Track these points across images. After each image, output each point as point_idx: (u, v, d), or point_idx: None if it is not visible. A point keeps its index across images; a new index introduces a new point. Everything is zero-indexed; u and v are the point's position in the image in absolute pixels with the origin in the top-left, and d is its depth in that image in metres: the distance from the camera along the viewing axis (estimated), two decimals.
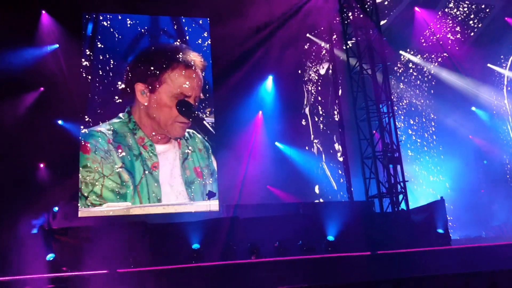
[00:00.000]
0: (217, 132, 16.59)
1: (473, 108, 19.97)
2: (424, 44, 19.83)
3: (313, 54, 18.98)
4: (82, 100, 15.74)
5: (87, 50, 16.10)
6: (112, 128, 15.59)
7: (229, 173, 16.48)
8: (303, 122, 18.53)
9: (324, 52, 18.66)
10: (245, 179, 16.66)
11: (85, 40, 16.18)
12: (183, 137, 16.21)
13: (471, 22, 19.43)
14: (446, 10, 19.06)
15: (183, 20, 17.23)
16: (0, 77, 14.39)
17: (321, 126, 18.63)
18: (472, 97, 19.63)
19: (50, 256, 10.79)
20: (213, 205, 15.51)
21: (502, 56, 19.80)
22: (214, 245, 11.45)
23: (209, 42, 17.19)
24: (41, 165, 15.27)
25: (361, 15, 14.50)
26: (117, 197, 15.13)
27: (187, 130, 16.27)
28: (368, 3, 14.56)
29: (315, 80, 18.94)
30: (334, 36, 17.55)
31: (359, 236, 11.79)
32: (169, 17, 17.13)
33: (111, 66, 16.10)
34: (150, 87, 16.04)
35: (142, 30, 16.70)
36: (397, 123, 14.40)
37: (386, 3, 18.04)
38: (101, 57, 16.09)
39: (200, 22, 17.34)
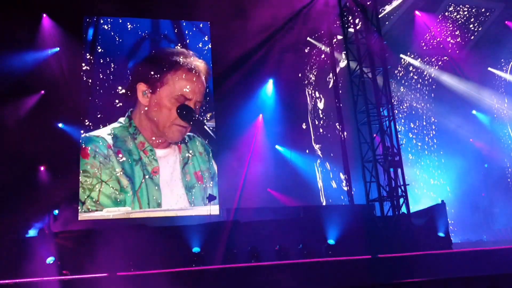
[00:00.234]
0: (218, 135, 16.59)
1: (474, 112, 19.97)
2: (425, 48, 19.84)
3: (314, 57, 18.99)
4: (82, 104, 15.75)
5: (87, 54, 16.13)
6: (112, 133, 15.57)
7: (229, 177, 16.47)
8: (304, 126, 18.52)
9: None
10: (246, 183, 16.65)
11: (86, 43, 16.20)
12: (183, 140, 16.19)
13: (471, 25, 19.44)
14: (446, 13, 19.07)
15: (184, 24, 17.25)
16: (1, 80, 14.41)
17: (321, 129, 18.63)
18: (472, 101, 19.63)
19: (50, 259, 10.79)
20: (213, 208, 15.49)
21: (502, 60, 19.81)
22: (215, 249, 11.46)
23: (210, 46, 17.20)
24: (42, 168, 15.26)
25: (362, 19, 14.51)
26: (114, 203, 15.09)
27: (187, 133, 16.25)
28: (369, 7, 14.57)
29: (315, 84, 18.95)
30: (335, 40, 17.58)
31: (360, 239, 11.78)
32: (170, 21, 17.15)
33: (112, 70, 16.11)
34: (151, 88, 16.07)
35: (143, 34, 16.73)
36: (397, 127, 14.40)
37: (386, 9, 18.07)
38: (101, 61, 16.11)
39: (201, 25, 17.36)
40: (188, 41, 17.08)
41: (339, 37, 17.35)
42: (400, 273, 9.60)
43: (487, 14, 19.18)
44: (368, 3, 14.59)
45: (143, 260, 10.76)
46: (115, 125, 15.70)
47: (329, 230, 12.05)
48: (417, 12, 18.70)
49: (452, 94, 19.42)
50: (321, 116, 18.71)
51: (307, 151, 18.29)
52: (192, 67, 16.65)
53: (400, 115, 19.46)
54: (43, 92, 15.49)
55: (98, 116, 15.69)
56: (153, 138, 15.86)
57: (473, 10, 19.09)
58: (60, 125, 15.67)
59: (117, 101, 15.88)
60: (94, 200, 14.96)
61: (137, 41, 16.60)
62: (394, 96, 18.20)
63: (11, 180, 14.04)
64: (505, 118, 19.58)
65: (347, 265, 9.88)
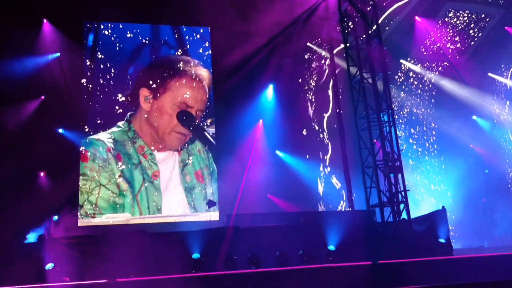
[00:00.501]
0: (218, 141, 16.58)
1: (474, 117, 19.95)
2: (425, 53, 19.85)
3: (314, 62, 19.00)
4: (82, 109, 15.76)
5: (87, 59, 16.14)
6: (112, 137, 15.58)
7: (229, 182, 16.45)
8: (304, 132, 18.48)
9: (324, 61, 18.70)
10: (246, 188, 16.63)
11: (86, 49, 16.22)
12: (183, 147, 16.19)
13: (471, 31, 19.45)
14: (446, 19, 19.10)
15: (184, 29, 17.27)
16: (2, 85, 14.42)
17: (321, 135, 18.61)
18: (473, 106, 19.62)
19: (49, 266, 10.75)
20: (213, 214, 15.45)
21: (502, 65, 19.81)
22: (215, 255, 11.42)
23: (210, 52, 17.21)
24: (41, 174, 15.24)
25: (362, 24, 14.51)
26: (113, 206, 15.06)
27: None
28: (369, 12, 14.58)
29: (315, 89, 18.95)
30: (336, 50, 17.58)
31: (360, 245, 11.73)
32: (170, 26, 17.17)
33: (112, 75, 16.12)
34: (154, 93, 16.11)
35: (143, 40, 16.74)
36: (397, 132, 14.38)
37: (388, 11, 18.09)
38: (101, 66, 16.13)
39: (201, 31, 17.37)
40: (188, 46, 17.11)
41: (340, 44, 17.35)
42: (400, 279, 9.54)
43: (487, 19, 19.20)
44: (368, 8, 14.60)
45: (142, 266, 10.71)
46: (114, 129, 15.71)
47: (329, 236, 12.00)
48: (417, 18, 18.73)
49: (453, 100, 19.41)
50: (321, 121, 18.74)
51: (307, 156, 18.26)
52: (196, 75, 16.72)
53: (401, 121, 19.46)
54: (43, 97, 15.49)
55: (98, 121, 15.69)
56: (152, 142, 15.86)
57: (473, 16, 19.11)
58: (60, 130, 15.65)
59: (117, 106, 15.88)
60: (92, 204, 14.94)
61: (138, 47, 16.63)
62: (394, 102, 18.20)
63: (11, 186, 14.03)
64: (505, 123, 19.56)
65: (348, 271, 9.83)
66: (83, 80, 15.93)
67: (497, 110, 19.73)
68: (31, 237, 13.45)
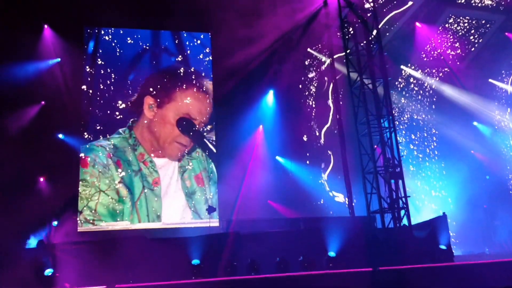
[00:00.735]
0: (218, 146, 16.56)
1: (475, 123, 19.93)
2: (425, 59, 19.86)
3: (314, 68, 19.00)
4: (83, 115, 15.75)
5: (88, 65, 16.15)
6: (112, 143, 15.57)
7: (229, 188, 16.42)
8: (305, 138, 18.45)
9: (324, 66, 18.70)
10: (246, 194, 16.58)
11: (86, 54, 16.23)
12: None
13: (471, 37, 19.48)
14: (447, 25, 19.13)
15: (184, 35, 17.28)
16: (2, 90, 14.42)
17: (322, 141, 18.59)
18: (473, 112, 19.61)
19: (48, 271, 10.70)
20: (213, 220, 15.42)
21: (503, 71, 19.81)
22: (214, 261, 11.37)
23: (210, 58, 17.22)
24: (41, 179, 15.21)
25: (362, 30, 14.53)
26: (112, 213, 15.03)
27: None
28: (369, 19, 14.60)
29: (315, 95, 18.94)
30: (337, 56, 17.59)
31: (360, 252, 11.68)
32: (170, 32, 17.18)
33: (112, 81, 16.13)
34: (159, 102, 16.14)
35: (144, 46, 16.75)
36: (398, 138, 14.35)
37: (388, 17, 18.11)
38: (102, 72, 16.14)
39: (202, 37, 17.38)
40: (188, 52, 17.12)
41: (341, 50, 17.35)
42: (401, 286, 9.51)
43: (488, 25, 19.23)
44: (369, 14, 14.62)
45: (142, 272, 10.67)
46: (115, 135, 15.70)
47: (330, 242, 11.95)
48: (417, 24, 18.75)
49: (453, 106, 19.40)
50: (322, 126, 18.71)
51: (307, 162, 18.23)
52: (202, 87, 16.78)
53: (401, 126, 19.44)
54: (43, 102, 15.49)
55: (98, 128, 15.67)
56: (152, 149, 15.84)
57: (474, 22, 19.14)
58: (60, 135, 15.64)
59: (117, 113, 15.88)
60: (91, 209, 14.91)
61: (138, 53, 16.64)
62: (394, 107, 18.19)
63: (11, 190, 14.01)
64: (506, 129, 19.54)
65: (348, 277, 9.79)
66: (83, 87, 15.92)
67: (497, 116, 19.71)
68: (32, 242, 13.41)
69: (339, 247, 11.86)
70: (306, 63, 18.85)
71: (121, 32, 16.55)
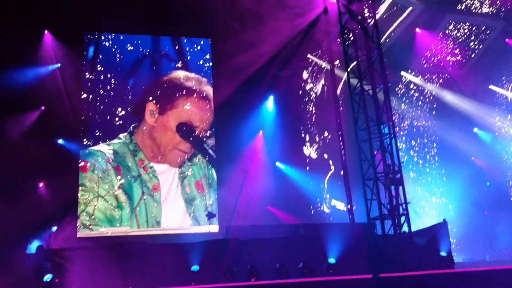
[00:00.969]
0: (218, 152, 16.53)
1: (475, 130, 19.92)
2: (425, 65, 19.89)
3: (314, 74, 19.01)
4: (82, 120, 15.73)
5: (88, 70, 16.13)
6: (112, 148, 15.54)
7: (229, 194, 16.38)
8: (306, 149, 18.41)
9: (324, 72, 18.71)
10: (246, 200, 16.55)
11: (86, 60, 16.22)
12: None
13: (472, 43, 19.51)
14: (447, 31, 19.15)
15: (184, 41, 17.29)
16: (2, 95, 14.41)
17: (322, 147, 18.58)
18: (474, 119, 19.61)
19: (47, 277, 10.67)
20: (212, 226, 15.37)
21: (503, 78, 19.83)
22: (214, 267, 11.33)
23: (210, 64, 17.21)
24: (40, 184, 15.18)
25: (362, 36, 14.53)
26: (109, 219, 14.97)
27: None
28: (369, 24, 14.61)
29: (315, 101, 18.95)
30: (337, 62, 17.60)
31: (360, 258, 11.66)
32: (170, 38, 17.18)
33: (112, 86, 16.12)
34: (161, 109, 16.12)
35: (145, 52, 16.74)
36: (398, 144, 14.32)
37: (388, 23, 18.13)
38: (102, 77, 16.12)
39: (202, 42, 17.39)
40: (189, 58, 17.11)
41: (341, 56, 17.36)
42: None
43: (488, 32, 19.26)
44: (369, 20, 14.62)
45: (141, 278, 10.64)
46: (115, 140, 15.67)
47: (330, 249, 11.93)
48: (417, 30, 18.76)
49: (453, 112, 19.41)
50: (322, 132, 18.70)
51: (307, 168, 18.20)
52: (204, 95, 16.74)
53: (401, 133, 19.43)
54: (43, 108, 15.48)
55: (97, 134, 15.63)
56: (152, 155, 15.81)
57: (474, 28, 19.17)
58: (60, 141, 15.62)
59: (117, 119, 15.86)
60: (89, 214, 14.85)
61: (138, 58, 16.63)
62: (395, 114, 18.18)
63: (10, 195, 13.97)
64: (507, 136, 19.53)
65: (348, 284, 9.72)
66: (83, 92, 15.90)
67: (498, 123, 19.71)
68: (32, 248, 13.37)
69: (339, 254, 11.83)
70: (306, 68, 18.85)
71: (121, 37, 16.55)
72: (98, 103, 15.91)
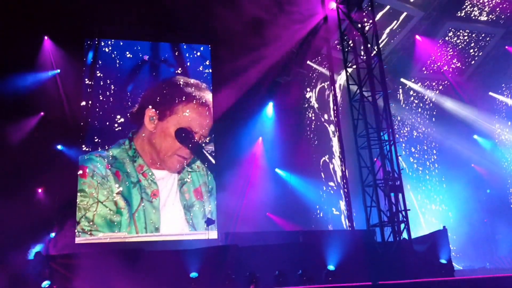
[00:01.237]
0: (217, 158, 16.51)
1: (475, 136, 19.91)
2: (425, 72, 19.91)
3: (314, 80, 19.02)
4: (81, 126, 15.71)
5: (87, 76, 16.12)
6: (111, 154, 15.52)
7: (228, 200, 16.32)
8: (304, 151, 18.41)
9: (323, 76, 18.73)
10: (245, 206, 16.49)
11: (86, 66, 16.22)
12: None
13: (471, 50, 19.53)
14: (447, 38, 19.17)
15: (184, 47, 17.29)
16: (2, 101, 14.41)
17: (321, 154, 18.57)
18: (474, 125, 19.60)
19: (45, 283, 10.64)
20: (211, 232, 15.32)
21: (503, 85, 19.84)
22: (213, 274, 11.28)
23: (210, 71, 17.21)
24: (39, 190, 15.14)
25: (362, 43, 14.54)
26: (109, 224, 14.93)
27: None
28: (369, 31, 14.62)
29: (315, 107, 18.94)
30: (337, 69, 17.61)
31: (360, 265, 11.61)
32: (170, 44, 17.17)
33: (112, 92, 16.11)
34: (160, 115, 16.12)
35: (145, 57, 16.74)
36: (398, 151, 14.29)
37: (388, 30, 18.16)
38: (101, 83, 16.12)
39: (201, 48, 17.39)
40: (188, 64, 17.12)
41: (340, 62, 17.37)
42: None
43: (487, 39, 19.29)
44: (368, 27, 14.63)
45: (140, 284, 10.59)
46: (115, 146, 15.65)
47: (329, 256, 11.88)
48: (417, 37, 18.77)
49: (453, 119, 19.41)
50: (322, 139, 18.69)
51: (307, 175, 18.15)
52: (203, 101, 16.74)
53: (401, 139, 19.40)
54: (42, 113, 15.47)
55: (96, 140, 15.60)
56: (150, 161, 15.79)
57: (473, 35, 19.20)
58: (59, 146, 15.60)
59: (116, 125, 15.85)
60: (89, 220, 14.81)
61: (137, 64, 16.63)
62: (394, 120, 18.17)
63: (9, 201, 13.92)
64: (507, 143, 19.52)
65: None
66: (82, 98, 15.89)
67: (498, 130, 19.70)
68: (31, 254, 13.32)
69: (338, 261, 11.79)
70: (306, 75, 18.85)
71: (121, 43, 16.55)
72: (97, 109, 15.90)
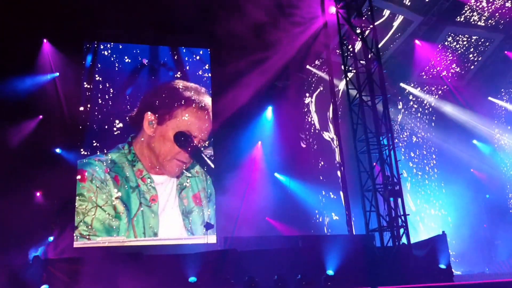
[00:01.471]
0: (216, 162, 16.48)
1: (475, 141, 19.90)
2: (425, 77, 19.92)
3: (313, 85, 19.02)
4: (80, 129, 15.68)
5: (86, 79, 16.12)
6: (110, 158, 15.49)
7: (227, 204, 16.29)
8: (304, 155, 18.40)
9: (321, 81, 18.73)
10: (244, 211, 16.46)
11: (85, 69, 16.21)
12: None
13: (471, 55, 19.56)
14: (446, 43, 19.20)
15: (184, 51, 17.29)
16: (0, 104, 14.38)
17: (320, 159, 18.54)
18: (473, 130, 19.61)
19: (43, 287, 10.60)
20: (210, 237, 15.28)
21: (502, 90, 19.85)
22: (212, 279, 11.23)
23: (209, 75, 17.20)
24: (38, 194, 15.09)
25: (361, 48, 14.55)
26: (108, 229, 14.88)
27: None
28: (369, 36, 14.63)
29: (314, 111, 18.94)
30: (342, 78, 17.61)
31: (359, 270, 11.57)
32: (169, 48, 17.17)
33: (111, 95, 16.10)
34: (159, 119, 16.09)
35: (144, 61, 16.74)
36: (397, 155, 14.27)
37: (388, 36, 18.18)
38: (100, 86, 16.11)
39: (201, 52, 17.39)
40: (188, 68, 17.11)
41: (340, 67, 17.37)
42: None
43: (487, 44, 19.31)
44: (368, 32, 14.64)
45: None
46: (114, 150, 15.62)
47: (328, 261, 11.83)
48: (417, 42, 18.80)
49: (453, 124, 19.41)
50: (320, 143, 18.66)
51: (306, 179, 18.12)
52: (202, 105, 16.72)
53: (400, 144, 19.39)
54: (41, 117, 15.44)
55: (95, 144, 15.58)
56: (150, 165, 15.76)
57: (473, 40, 19.22)
58: (57, 150, 15.56)
59: (115, 129, 15.82)
60: (87, 225, 14.77)
61: (137, 68, 16.62)
62: (394, 125, 18.16)
63: (7, 205, 13.89)
64: (506, 148, 19.52)
65: None
66: (81, 101, 15.87)
67: (497, 135, 19.71)
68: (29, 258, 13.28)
69: (337, 266, 11.74)
70: (305, 79, 18.86)
71: (120, 47, 16.54)
72: (96, 113, 15.88)
